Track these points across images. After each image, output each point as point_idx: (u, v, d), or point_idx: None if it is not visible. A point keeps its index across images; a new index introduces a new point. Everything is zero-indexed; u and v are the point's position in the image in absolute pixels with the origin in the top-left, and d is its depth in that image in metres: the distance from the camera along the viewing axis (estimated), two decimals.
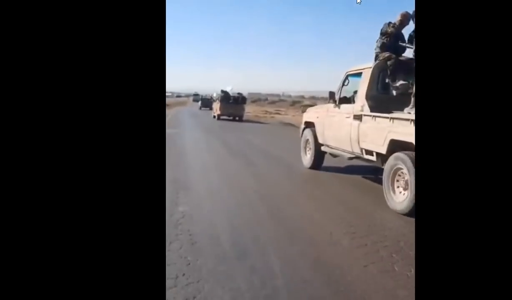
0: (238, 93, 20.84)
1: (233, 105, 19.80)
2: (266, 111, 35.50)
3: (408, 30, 5.01)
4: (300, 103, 65.03)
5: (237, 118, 19.83)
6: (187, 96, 79.88)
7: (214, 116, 20.33)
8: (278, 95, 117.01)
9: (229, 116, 19.78)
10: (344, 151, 5.59)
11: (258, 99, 67.81)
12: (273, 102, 62.96)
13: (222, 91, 20.35)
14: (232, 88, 21.18)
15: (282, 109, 44.27)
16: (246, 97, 22.15)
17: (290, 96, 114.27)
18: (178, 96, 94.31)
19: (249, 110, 33.71)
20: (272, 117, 26.91)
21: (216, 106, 20.36)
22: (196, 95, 58.56)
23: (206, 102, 30.13)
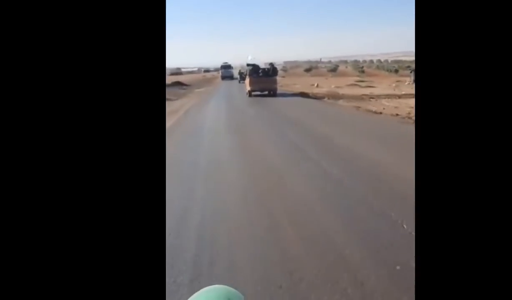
0: (270, 64, 19.49)
1: (263, 79, 18.28)
2: (359, 84, 23.90)
3: None
4: (362, 72, 50.58)
5: (271, 93, 17.96)
6: (217, 70, 62.84)
7: (247, 93, 18.58)
8: (316, 62, 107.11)
9: (261, 91, 18.11)
10: None
11: (310, 67, 56.47)
12: (332, 70, 50.12)
13: (248, 64, 19.21)
14: (253, 58, 19.91)
15: (364, 79, 30.33)
16: (284, 66, 17.73)
17: (330, 62, 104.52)
18: (206, 71, 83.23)
19: (330, 85, 22.82)
20: None
21: (247, 81, 18.97)
22: (226, 67, 42.87)
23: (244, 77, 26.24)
